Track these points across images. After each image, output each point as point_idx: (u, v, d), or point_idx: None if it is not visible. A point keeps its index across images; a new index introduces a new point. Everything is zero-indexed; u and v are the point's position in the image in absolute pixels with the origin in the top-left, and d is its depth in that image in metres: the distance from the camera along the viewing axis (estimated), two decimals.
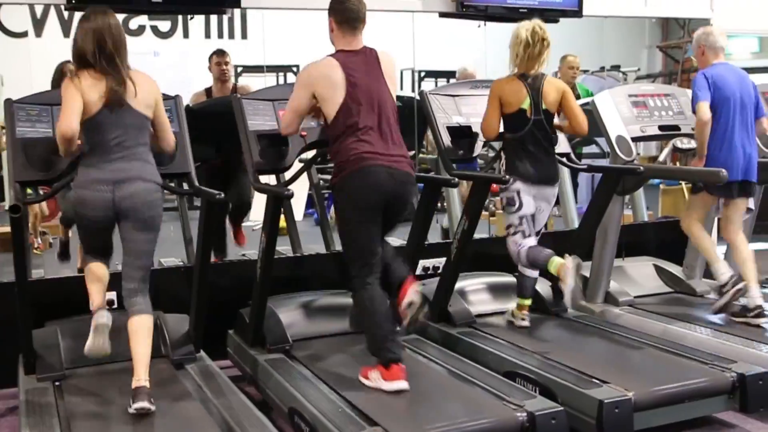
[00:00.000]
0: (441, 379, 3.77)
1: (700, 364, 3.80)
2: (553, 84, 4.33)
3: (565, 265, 3.98)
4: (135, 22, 12.90)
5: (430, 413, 3.31)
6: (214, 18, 13.42)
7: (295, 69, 10.67)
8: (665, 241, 5.90)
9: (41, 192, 4.85)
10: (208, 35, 13.61)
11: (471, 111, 4.61)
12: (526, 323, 4.53)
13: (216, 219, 3.90)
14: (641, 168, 4.40)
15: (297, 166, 4.50)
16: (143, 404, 3.32)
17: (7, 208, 3.39)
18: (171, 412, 3.40)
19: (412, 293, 3.65)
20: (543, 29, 4.24)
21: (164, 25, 13.10)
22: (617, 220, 4.88)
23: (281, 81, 10.76)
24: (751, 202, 4.71)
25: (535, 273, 4.49)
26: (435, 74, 10.98)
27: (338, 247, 4.25)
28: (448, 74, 9.44)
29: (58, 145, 3.42)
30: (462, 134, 4.54)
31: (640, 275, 5.32)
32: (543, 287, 4.81)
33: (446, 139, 4.48)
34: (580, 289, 4.33)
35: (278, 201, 3.90)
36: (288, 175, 4.43)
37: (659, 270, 5.37)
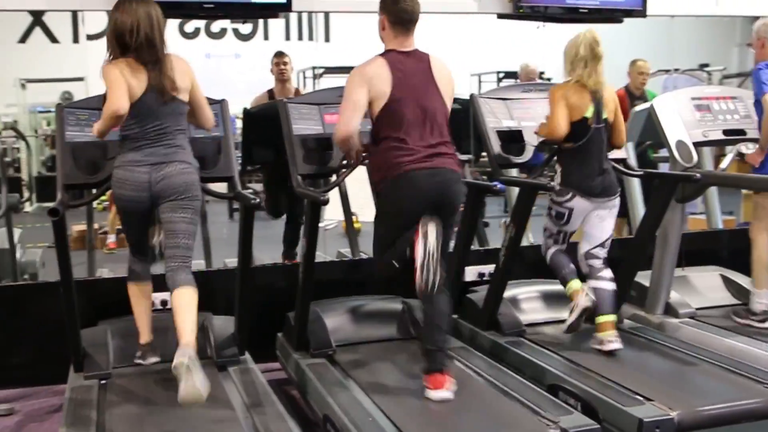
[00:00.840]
0: (480, 390, 3.67)
1: (754, 383, 3.61)
2: (610, 92, 4.21)
3: (579, 293, 4.05)
4: (217, 26, 13.21)
5: (461, 426, 3.25)
6: (294, 20, 13.62)
7: None
8: (738, 249, 5.62)
9: None
10: (288, 37, 13.78)
11: (522, 115, 4.51)
12: (614, 345, 4.06)
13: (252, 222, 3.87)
14: (697, 175, 4.19)
15: None
16: (182, 359, 3.27)
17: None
18: (202, 414, 3.42)
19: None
20: (598, 41, 4.09)
21: (245, 28, 13.31)
22: (678, 228, 4.67)
23: None
24: None
25: (609, 284, 4.21)
26: (516, 75, 10.86)
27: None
28: None
29: (103, 122, 3.43)
30: (512, 138, 4.43)
31: (706, 286, 5.08)
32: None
33: (495, 144, 4.38)
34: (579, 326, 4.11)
35: (316, 206, 3.89)
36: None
37: (726, 280, 5.12)
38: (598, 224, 4.21)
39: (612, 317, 4.10)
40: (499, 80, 11.81)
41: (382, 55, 3.68)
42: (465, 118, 5.08)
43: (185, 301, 3.49)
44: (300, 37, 14.03)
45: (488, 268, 5.07)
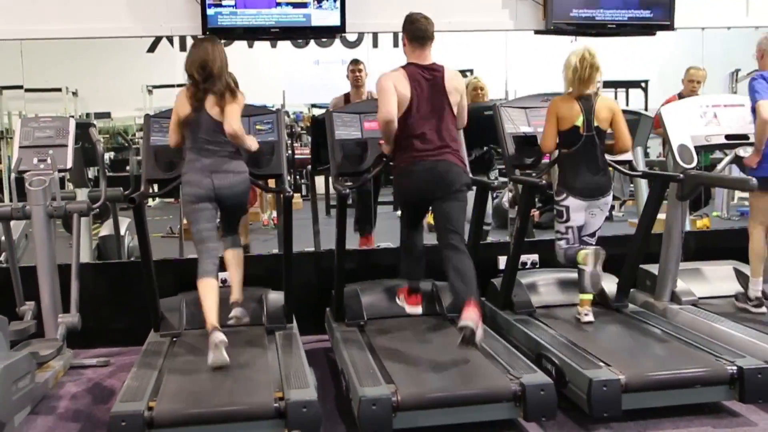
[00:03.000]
0: (472, 356, 4.25)
1: (709, 356, 4.12)
2: (605, 103, 4.78)
3: (586, 254, 4.59)
4: None
5: (439, 379, 3.96)
6: None
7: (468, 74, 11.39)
8: None
9: None
10: (396, 44, 14.46)
11: (539, 122, 5.08)
12: (589, 318, 4.86)
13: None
14: (681, 176, 4.71)
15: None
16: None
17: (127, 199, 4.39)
18: (242, 363, 4.24)
19: (467, 319, 4.00)
20: (592, 55, 4.67)
21: (352, 36, 14.11)
22: (680, 223, 5.18)
23: None
24: None
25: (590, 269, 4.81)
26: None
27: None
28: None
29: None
30: (527, 143, 5.05)
31: (717, 277, 5.53)
32: (607, 284, 5.19)
33: (511, 147, 5.02)
34: (598, 275, 4.70)
35: (342, 199, 4.65)
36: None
37: (739, 273, 5.53)
38: (590, 219, 4.84)
39: (590, 296, 4.83)
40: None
41: (403, 67, 4.44)
42: None
43: (234, 261, 4.67)
44: None
45: (531, 258, 5.85)
